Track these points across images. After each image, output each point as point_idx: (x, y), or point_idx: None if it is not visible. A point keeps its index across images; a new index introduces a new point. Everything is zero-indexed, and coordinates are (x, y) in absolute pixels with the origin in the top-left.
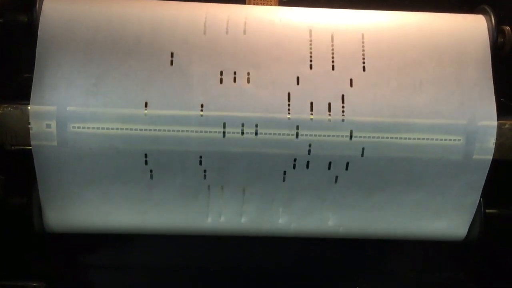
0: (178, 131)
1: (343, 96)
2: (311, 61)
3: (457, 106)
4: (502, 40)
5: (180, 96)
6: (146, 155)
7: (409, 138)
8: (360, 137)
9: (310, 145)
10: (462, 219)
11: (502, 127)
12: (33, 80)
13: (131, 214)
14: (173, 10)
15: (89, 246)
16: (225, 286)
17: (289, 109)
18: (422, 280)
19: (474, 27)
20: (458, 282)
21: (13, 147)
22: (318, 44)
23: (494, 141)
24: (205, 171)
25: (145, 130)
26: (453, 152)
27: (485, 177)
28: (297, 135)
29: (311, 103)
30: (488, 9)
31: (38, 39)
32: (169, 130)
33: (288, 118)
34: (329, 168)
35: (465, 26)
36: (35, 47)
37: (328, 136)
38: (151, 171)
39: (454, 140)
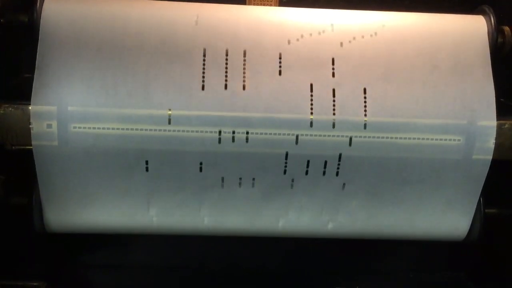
0: (178, 131)
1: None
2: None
3: (456, 106)
4: (501, 40)
5: (182, 96)
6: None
7: (409, 138)
8: (359, 137)
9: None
10: (462, 219)
11: (502, 127)
12: (34, 80)
13: (132, 214)
14: (174, 10)
15: (89, 246)
16: (224, 285)
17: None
18: (422, 280)
19: (474, 27)
20: (458, 282)
21: (14, 147)
22: None
23: (494, 141)
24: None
25: (146, 130)
26: (453, 152)
27: (485, 177)
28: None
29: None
30: (487, 9)
31: (39, 39)
32: (169, 130)
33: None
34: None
35: (465, 27)
36: (36, 47)
37: (328, 136)
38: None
39: (454, 140)
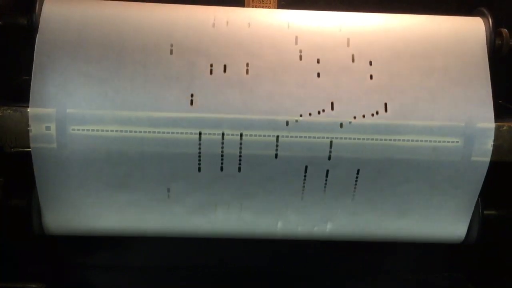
0: (177, 133)
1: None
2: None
3: (455, 108)
4: (499, 42)
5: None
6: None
7: (408, 140)
8: (358, 139)
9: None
10: (460, 221)
11: (500, 129)
12: (32, 83)
13: (130, 216)
14: (172, 12)
15: (88, 248)
16: (224, 285)
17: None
18: (421, 281)
19: (471, 29)
20: (457, 283)
21: (12, 149)
22: None
23: (492, 143)
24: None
25: (145, 132)
26: (451, 154)
27: (483, 179)
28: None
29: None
30: (485, 11)
31: (37, 41)
32: (168, 132)
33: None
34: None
35: (463, 29)
36: (34, 50)
37: (327, 138)
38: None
39: (452, 142)
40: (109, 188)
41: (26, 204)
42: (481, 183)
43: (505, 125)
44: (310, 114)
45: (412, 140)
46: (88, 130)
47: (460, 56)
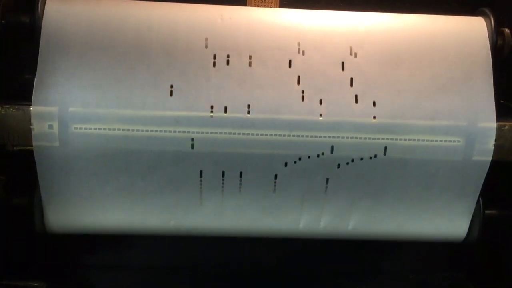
0: (180, 132)
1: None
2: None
3: (457, 107)
4: (501, 42)
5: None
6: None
7: (409, 139)
8: (359, 138)
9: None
10: (461, 220)
11: (502, 128)
12: (35, 81)
13: (133, 215)
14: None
15: (90, 247)
16: (224, 285)
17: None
18: (422, 280)
19: (474, 29)
20: (458, 283)
21: (15, 148)
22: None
23: (494, 143)
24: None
25: (147, 131)
26: (453, 153)
27: (485, 178)
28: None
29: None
30: (487, 11)
31: (40, 40)
32: (170, 131)
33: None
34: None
35: (465, 28)
36: (37, 48)
37: (328, 137)
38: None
39: (454, 141)
40: (111, 186)
41: (28, 202)
42: (482, 182)
43: (507, 125)
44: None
45: (414, 140)
46: (90, 128)
47: (462, 55)
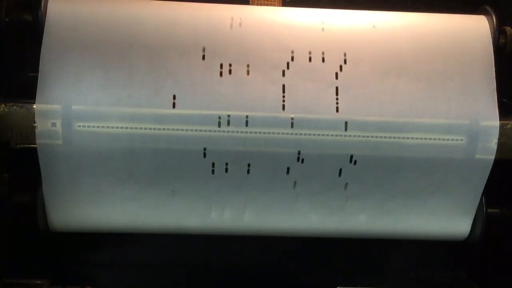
0: (182, 130)
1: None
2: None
3: (459, 106)
4: (503, 40)
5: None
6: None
7: (412, 138)
8: (362, 136)
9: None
10: (464, 219)
11: (504, 127)
12: (39, 79)
13: (135, 213)
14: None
15: (92, 244)
16: (225, 283)
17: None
18: (424, 279)
19: (476, 27)
20: (460, 281)
21: (18, 146)
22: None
23: (496, 141)
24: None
25: (150, 129)
26: (455, 152)
27: (487, 177)
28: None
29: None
30: (489, 9)
31: (43, 38)
32: (173, 129)
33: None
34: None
35: (468, 27)
36: (40, 46)
37: (332, 135)
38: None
39: (457, 140)
40: (114, 184)
41: (31, 200)
42: (485, 181)
43: (509, 123)
44: None
45: (417, 138)
46: (93, 126)
47: (464, 54)
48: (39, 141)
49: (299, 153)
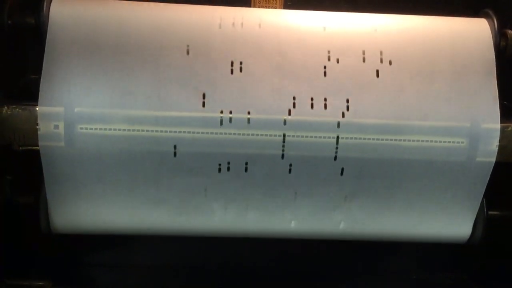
0: (183, 132)
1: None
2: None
3: (460, 108)
4: (504, 43)
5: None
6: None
7: (413, 140)
8: (363, 139)
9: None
10: (465, 221)
11: (505, 129)
12: (41, 81)
13: (138, 215)
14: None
15: (94, 246)
16: (226, 285)
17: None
18: (425, 281)
19: (477, 30)
20: (461, 283)
21: (21, 148)
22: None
23: (497, 144)
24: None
25: (152, 131)
26: (456, 154)
27: (488, 179)
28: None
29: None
30: (491, 13)
31: (46, 40)
32: (175, 132)
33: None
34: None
35: (469, 30)
36: (42, 49)
37: (333, 138)
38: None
39: (458, 142)
40: (116, 187)
41: (33, 202)
42: (486, 183)
43: (510, 126)
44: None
45: (418, 140)
46: (96, 129)
47: (466, 57)
48: (41, 143)
49: (290, 165)
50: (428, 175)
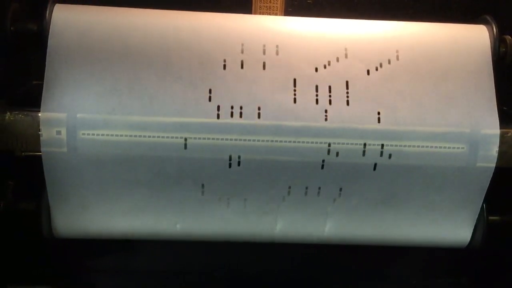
0: (187, 138)
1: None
2: None
3: (460, 114)
4: (503, 49)
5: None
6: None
7: (413, 146)
8: (363, 144)
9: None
10: (465, 226)
11: (505, 135)
12: (44, 87)
13: (140, 220)
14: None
15: (96, 251)
16: None
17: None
18: (425, 286)
19: (476, 36)
20: None
21: (23, 153)
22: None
23: (497, 149)
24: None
25: (155, 137)
26: (456, 160)
27: (488, 185)
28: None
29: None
30: (489, 19)
31: (48, 47)
32: (177, 137)
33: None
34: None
35: (468, 36)
36: (44, 55)
37: (334, 144)
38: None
39: (458, 148)
40: (118, 192)
41: (36, 207)
42: (486, 188)
43: (510, 132)
44: None
45: (418, 146)
46: (98, 134)
47: (465, 63)
48: (44, 149)
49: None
50: (429, 181)
